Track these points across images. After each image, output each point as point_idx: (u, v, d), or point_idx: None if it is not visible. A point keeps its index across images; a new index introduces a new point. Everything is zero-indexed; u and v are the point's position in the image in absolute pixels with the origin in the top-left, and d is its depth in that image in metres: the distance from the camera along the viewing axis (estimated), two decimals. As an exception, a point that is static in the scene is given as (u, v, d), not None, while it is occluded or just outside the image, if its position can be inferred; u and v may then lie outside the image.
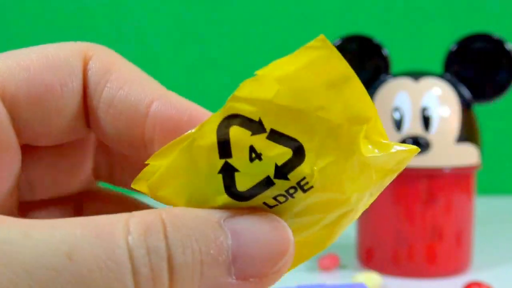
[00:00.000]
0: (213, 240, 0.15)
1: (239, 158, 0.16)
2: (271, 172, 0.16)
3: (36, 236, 0.14)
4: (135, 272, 0.14)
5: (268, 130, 0.16)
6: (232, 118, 0.16)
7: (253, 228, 0.15)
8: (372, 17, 0.88)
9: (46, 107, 0.18)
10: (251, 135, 0.16)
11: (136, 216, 0.15)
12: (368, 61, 0.51)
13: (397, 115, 0.48)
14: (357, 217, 0.17)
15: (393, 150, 0.16)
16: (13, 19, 0.91)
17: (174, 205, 0.17)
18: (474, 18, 0.88)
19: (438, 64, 0.54)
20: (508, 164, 0.90)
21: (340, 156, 0.16)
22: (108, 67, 0.19)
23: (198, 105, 0.20)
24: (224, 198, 0.16)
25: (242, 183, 0.16)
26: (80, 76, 0.19)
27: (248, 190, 0.16)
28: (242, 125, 0.16)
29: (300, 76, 0.15)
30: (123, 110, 0.19)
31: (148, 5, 0.90)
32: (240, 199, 0.16)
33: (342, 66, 0.15)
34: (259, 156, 0.16)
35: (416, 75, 0.50)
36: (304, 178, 0.16)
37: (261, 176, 0.16)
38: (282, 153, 0.16)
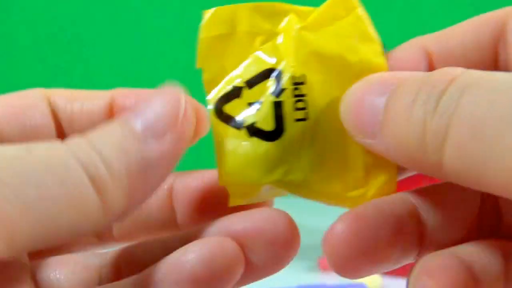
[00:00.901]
0: (119, 128, 0.18)
1: None
2: None
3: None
4: (80, 161, 0.17)
5: None
6: None
7: (152, 101, 0.19)
8: (372, 17, 0.87)
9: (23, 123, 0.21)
10: None
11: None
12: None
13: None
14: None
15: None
16: (13, 19, 0.91)
17: None
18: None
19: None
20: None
21: None
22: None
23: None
24: None
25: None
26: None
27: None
28: None
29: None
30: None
31: (148, 6, 0.90)
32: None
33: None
34: None
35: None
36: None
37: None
38: None
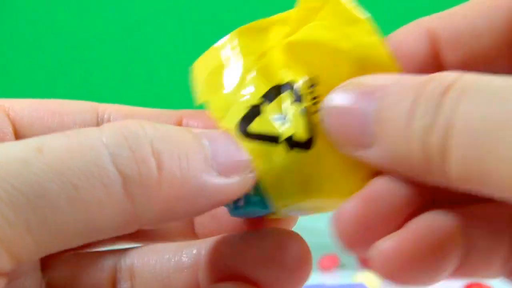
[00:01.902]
0: (191, 140, 0.17)
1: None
2: None
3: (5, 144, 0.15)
4: (113, 155, 0.15)
5: None
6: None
7: (224, 136, 0.18)
8: (372, 18, 0.87)
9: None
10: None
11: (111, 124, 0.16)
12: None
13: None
14: None
15: None
16: (13, 21, 0.91)
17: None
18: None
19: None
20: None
21: None
22: None
23: None
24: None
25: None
26: None
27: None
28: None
29: None
30: None
31: (147, 7, 0.90)
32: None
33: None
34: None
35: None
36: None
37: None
38: None
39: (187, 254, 0.20)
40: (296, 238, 0.19)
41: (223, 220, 0.21)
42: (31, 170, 0.14)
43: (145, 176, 0.15)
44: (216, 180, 0.16)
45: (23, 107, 0.21)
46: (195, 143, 0.17)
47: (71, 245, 0.15)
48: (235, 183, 0.17)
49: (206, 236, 0.21)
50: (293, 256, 0.18)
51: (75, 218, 0.14)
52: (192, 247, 0.20)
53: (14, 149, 0.14)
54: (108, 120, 0.20)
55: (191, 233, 0.22)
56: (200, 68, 0.20)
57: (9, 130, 0.20)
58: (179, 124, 0.21)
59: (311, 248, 0.19)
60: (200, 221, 0.21)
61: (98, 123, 0.20)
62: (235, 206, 0.18)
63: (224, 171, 0.17)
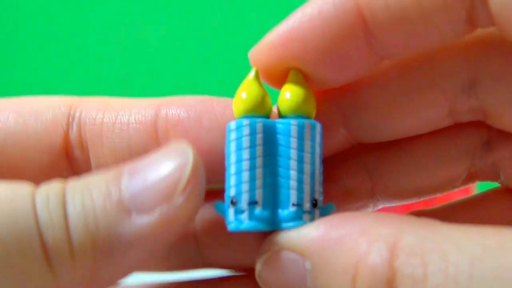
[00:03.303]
0: (104, 186, 0.15)
1: None
2: None
3: None
4: (37, 217, 0.14)
5: None
6: None
7: (148, 163, 0.16)
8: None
9: None
10: None
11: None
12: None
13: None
14: None
15: None
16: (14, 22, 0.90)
17: None
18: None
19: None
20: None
21: None
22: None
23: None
24: None
25: None
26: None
27: None
28: None
29: None
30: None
31: (146, 9, 0.89)
32: None
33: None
34: None
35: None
36: None
37: None
38: None
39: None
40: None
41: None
42: None
43: (59, 247, 0.14)
44: (137, 221, 0.15)
45: None
46: (109, 187, 0.15)
47: None
48: (160, 216, 0.15)
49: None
50: None
51: None
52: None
53: None
54: (80, 117, 0.19)
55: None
56: None
57: None
58: (157, 113, 0.19)
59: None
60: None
61: (69, 120, 0.19)
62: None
63: (146, 208, 0.15)
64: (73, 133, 0.19)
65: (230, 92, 0.20)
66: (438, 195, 0.21)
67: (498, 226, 0.13)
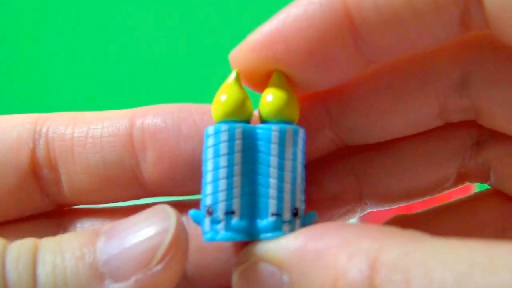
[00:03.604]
0: (78, 247, 0.14)
1: None
2: None
3: None
4: (5, 277, 0.13)
5: None
6: None
7: (127, 226, 0.15)
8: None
9: None
10: None
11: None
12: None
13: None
14: None
15: None
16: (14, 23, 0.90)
17: None
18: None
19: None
20: None
21: None
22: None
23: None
24: None
25: None
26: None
27: None
28: None
29: None
30: None
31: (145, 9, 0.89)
32: None
33: None
34: None
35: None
36: None
37: None
38: None
39: None
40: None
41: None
42: None
43: None
44: (107, 285, 0.14)
45: None
46: (83, 248, 0.14)
47: None
48: (135, 285, 0.14)
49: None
50: None
51: None
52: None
53: None
54: (47, 134, 0.18)
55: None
56: None
57: None
58: (132, 124, 0.18)
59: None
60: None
61: (35, 138, 0.18)
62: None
63: (121, 274, 0.14)
64: (40, 151, 0.18)
65: (211, 98, 0.20)
66: (428, 197, 0.20)
67: (487, 240, 0.13)
